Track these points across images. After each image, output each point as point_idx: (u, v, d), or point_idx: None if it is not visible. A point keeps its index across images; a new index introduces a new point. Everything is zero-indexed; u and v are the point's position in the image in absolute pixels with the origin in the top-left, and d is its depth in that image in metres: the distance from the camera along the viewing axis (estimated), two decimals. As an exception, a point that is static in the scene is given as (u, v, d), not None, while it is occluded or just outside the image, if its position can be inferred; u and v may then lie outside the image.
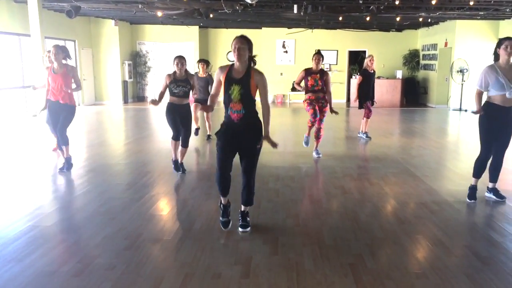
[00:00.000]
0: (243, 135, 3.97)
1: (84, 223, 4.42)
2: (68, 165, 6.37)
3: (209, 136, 9.00)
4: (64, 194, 5.58)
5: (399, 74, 16.38)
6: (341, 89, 17.75)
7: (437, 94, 15.92)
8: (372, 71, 9.04)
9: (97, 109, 15.00)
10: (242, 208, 4.25)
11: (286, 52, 17.86)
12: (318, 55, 7.08)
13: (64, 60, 6.23)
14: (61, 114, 6.25)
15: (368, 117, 9.10)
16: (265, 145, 4.07)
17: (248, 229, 4.18)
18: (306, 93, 7.20)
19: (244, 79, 3.87)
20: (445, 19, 14.35)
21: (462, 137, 10.36)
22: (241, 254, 3.67)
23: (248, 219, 4.26)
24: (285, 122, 12.33)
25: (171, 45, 17.35)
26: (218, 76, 4.03)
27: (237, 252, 3.70)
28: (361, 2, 10.27)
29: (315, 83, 7.06)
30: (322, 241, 3.94)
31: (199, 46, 17.56)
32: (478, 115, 4.94)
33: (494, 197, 5.08)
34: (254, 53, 3.99)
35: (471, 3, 10.27)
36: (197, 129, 9.03)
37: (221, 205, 4.27)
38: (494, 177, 5.08)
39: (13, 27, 11.50)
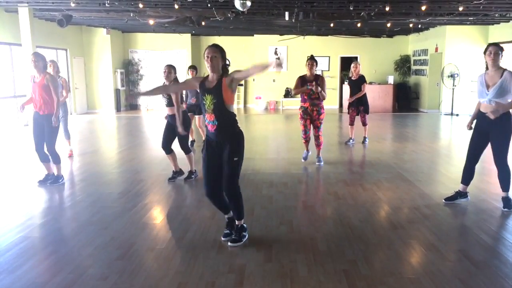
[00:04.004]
0: (220, 146, 3.86)
1: (76, 233, 4.38)
2: (55, 181, 6.14)
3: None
4: (55, 204, 5.53)
5: (391, 79, 16.49)
6: (333, 95, 17.81)
7: (428, 99, 16.03)
8: (356, 78, 9.07)
9: (90, 117, 14.94)
10: (236, 221, 4.13)
11: (279, 58, 17.92)
12: (311, 60, 7.01)
13: (45, 69, 6.01)
14: (44, 127, 5.98)
15: (350, 124, 9.22)
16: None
17: (236, 244, 3.99)
18: (302, 101, 7.20)
19: (217, 87, 3.77)
20: (435, 25, 14.48)
21: (454, 141, 10.41)
22: (235, 262, 3.65)
23: (243, 233, 4.07)
24: (279, 129, 12.34)
25: (163, 53, 17.36)
26: (192, 80, 4.03)
27: (230, 260, 3.68)
28: (351, 8, 10.33)
29: (312, 91, 7.01)
30: (316, 248, 3.93)
31: (192, 53, 17.57)
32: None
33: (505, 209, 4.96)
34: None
35: (461, 8, 10.38)
36: (192, 142, 8.93)
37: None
38: (502, 186, 4.98)
39: (4, 36, 11.45)
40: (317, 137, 7.21)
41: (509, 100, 4.65)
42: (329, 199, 5.48)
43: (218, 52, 3.78)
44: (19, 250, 3.91)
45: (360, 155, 8.46)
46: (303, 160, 7.51)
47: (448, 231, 4.41)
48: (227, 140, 3.84)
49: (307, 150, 7.52)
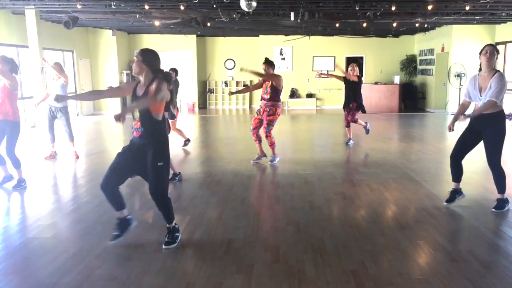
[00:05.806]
0: (142, 151, 3.78)
1: (84, 233, 4.40)
2: (19, 186, 6.02)
3: (185, 142, 8.85)
4: (63, 204, 5.55)
5: (397, 79, 16.44)
6: (339, 95, 17.74)
7: (435, 99, 15.96)
8: (354, 79, 9.00)
9: (96, 119, 15.01)
10: (167, 224, 4.04)
11: (284, 59, 17.91)
12: (265, 64, 7.08)
13: (13, 73, 5.91)
14: (5, 132, 5.93)
15: (346, 126, 9.22)
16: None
17: (170, 246, 3.93)
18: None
19: (142, 96, 3.72)
20: (441, 24, 14.42)
21: (461, 141, 10.36)
22: (242, 262, 3.66)
23: (176, 234, 4.02)
24: (284, 129, 12.32)
25: (169, 54, 17.37)
26: (126, 85, 3.93)
27: (238, 261, 3.69)
28: (357, 8, 10.31)
29: (266, 90, 7.07)
30: (323, 248, 3.93)
31: (197, 54, 17.61)
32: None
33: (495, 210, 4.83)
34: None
35: (467, 7, 10.32)
36: (186, 141, 8.85)
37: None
38: (497, 188, 4.87)
39: (11, 38, 11.52)
40: (266, 138, 7.11)
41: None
42: (335, 199, 5.47)
43: (139, 55, 3.72)
44: (28, 251, 3.94)
45: (366, 155, 8.44)
46: (252, 161, 7.35)
47: (456, 231, 4.39)
48: (151, 145, 3.76)
49: (260, 153, 7.32)
